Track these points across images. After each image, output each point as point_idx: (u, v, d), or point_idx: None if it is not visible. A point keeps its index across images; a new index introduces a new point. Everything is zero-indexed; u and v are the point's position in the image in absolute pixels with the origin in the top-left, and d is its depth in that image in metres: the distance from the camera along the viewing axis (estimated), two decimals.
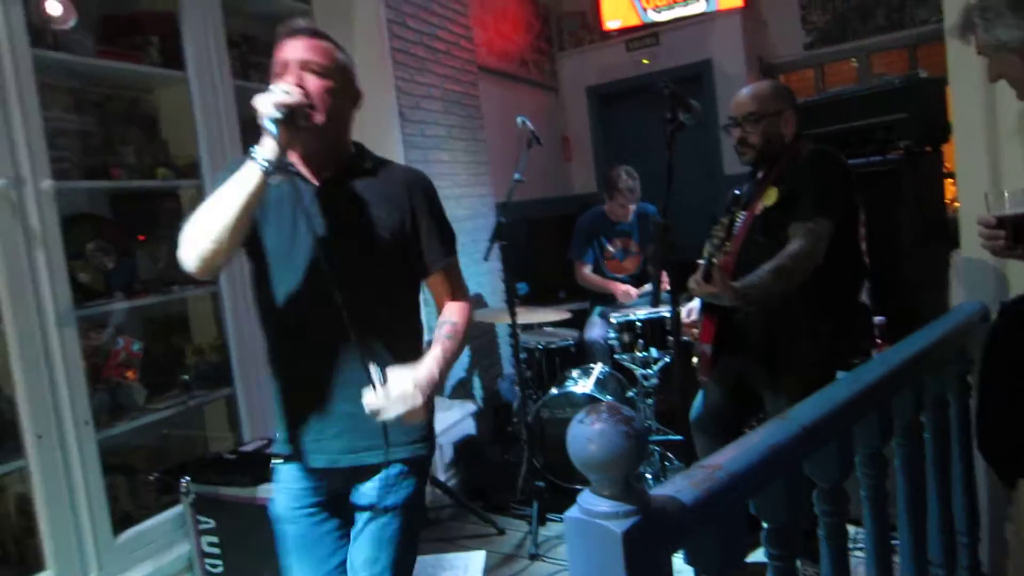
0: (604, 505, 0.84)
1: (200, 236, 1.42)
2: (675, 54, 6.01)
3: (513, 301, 3.20)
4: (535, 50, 6.09)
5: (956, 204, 2.07)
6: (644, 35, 6.19)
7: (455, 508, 3.42)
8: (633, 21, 6.30)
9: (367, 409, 1.46)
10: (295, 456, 1.63)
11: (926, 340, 1.64)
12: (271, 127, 1.40)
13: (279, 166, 1.43)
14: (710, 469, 1.06)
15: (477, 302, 4.36)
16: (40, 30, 2.15)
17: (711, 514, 0.97)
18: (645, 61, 6.13)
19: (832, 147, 2.40)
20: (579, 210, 4.54)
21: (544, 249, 5.44)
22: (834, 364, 2.22)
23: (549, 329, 4.06)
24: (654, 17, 6.23)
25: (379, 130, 3.32)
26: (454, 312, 1.70)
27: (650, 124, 4.46)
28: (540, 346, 3.91)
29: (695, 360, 2.46)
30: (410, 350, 1.62)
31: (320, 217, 1.56)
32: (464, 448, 3.75)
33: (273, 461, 1.70)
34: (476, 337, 4.39)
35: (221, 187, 1.44)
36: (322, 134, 1.53)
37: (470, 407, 3.81)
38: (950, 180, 2.93)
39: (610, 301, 4.16)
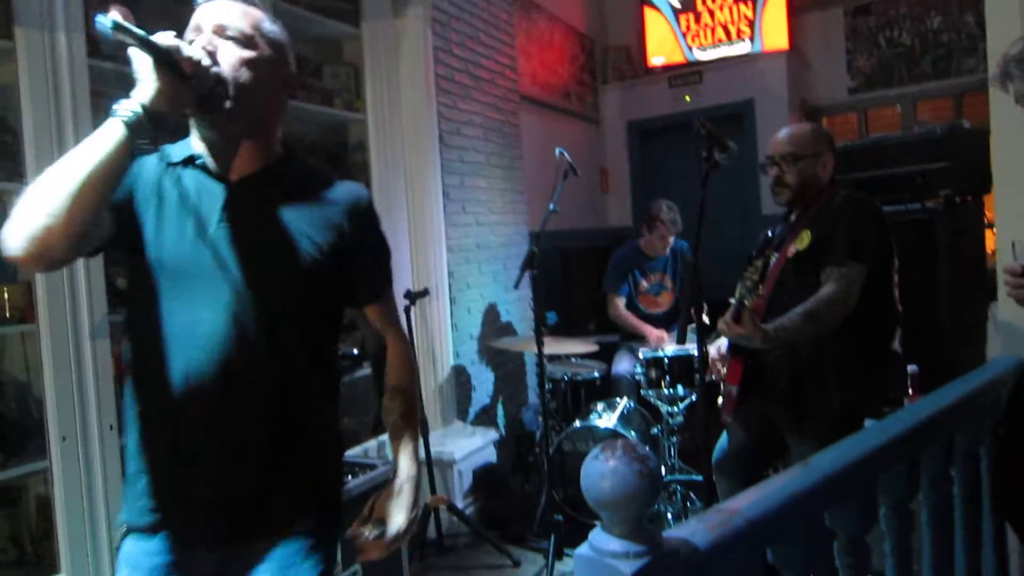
0: (615, 544, 0.83)
1: (33, 207, 1.06)
2: (718, 92, 6.01)
3: (541, 330, 3.20)
4: (578, 82, 6.14)
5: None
6: (687, 72, 6.21)
7: (471, 537, 3.39)
8: (677, 58, 6.34)
9: (375, 555, 1.34)
10: (155, 527, 1.25)
11: (958, 393, 1.60)
12: (148, 71, 1.10)
13: (153, 122, 1.12)
14: (727, 514, 1.05)
15: (506, 329, 4.37)
16: (97, 40, 2.21)
17: (726, 561, 0.95)
18: (687, 98, 6.15)
19: (866, 193, 2.39)
20: (613, 243, 4.54)
21: (576, 280, 5.44)
22: (863, 412, 2.18)
23: (576, 360, 4.04)
24: (699, 55, 6.27)
25: (418, 154, 3.37)
26: (399, 372, 1.47)
27: (689, 160, 4.47)
28: (566, 377, 3.89)
29: (720, 400, 2.43)
30: (328, 396, 1.40)
31: (230, 225, 1.26)
32: (484, 476, 3.73)
33: (120, 532, 1.31)
34: (502, 365, 4.39)
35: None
36: (237, 117, 1.25)
37: (492, 435, 3.80)
38: (991, 230, 2.88)
39: (640, 338, 4.13)
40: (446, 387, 3.66)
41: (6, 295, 2.10)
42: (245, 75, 1.24)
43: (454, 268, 3.81)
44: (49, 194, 1.06)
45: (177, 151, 1.33)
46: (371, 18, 3.16)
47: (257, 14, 1.31)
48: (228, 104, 1.23)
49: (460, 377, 3.92)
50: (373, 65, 3.18)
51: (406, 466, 1.40)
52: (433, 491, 3.00)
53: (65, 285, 2.08)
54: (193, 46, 1.19)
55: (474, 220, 4.06)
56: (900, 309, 2.32)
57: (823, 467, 1.23)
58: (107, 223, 1.21)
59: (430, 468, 3.01)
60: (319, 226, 1.32)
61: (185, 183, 1.29)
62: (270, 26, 1.33)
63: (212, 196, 1.28)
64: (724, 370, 2.42)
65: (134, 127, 1.11)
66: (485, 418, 4.15)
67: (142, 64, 1.11)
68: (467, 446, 3.57)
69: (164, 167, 1.31)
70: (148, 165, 1.32)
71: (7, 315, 2.09)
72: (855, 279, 2.15)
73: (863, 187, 2.67)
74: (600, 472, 0.85)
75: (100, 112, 2.18)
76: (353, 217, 1.37)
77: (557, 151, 3.31)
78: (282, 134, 1.39)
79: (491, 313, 4.25)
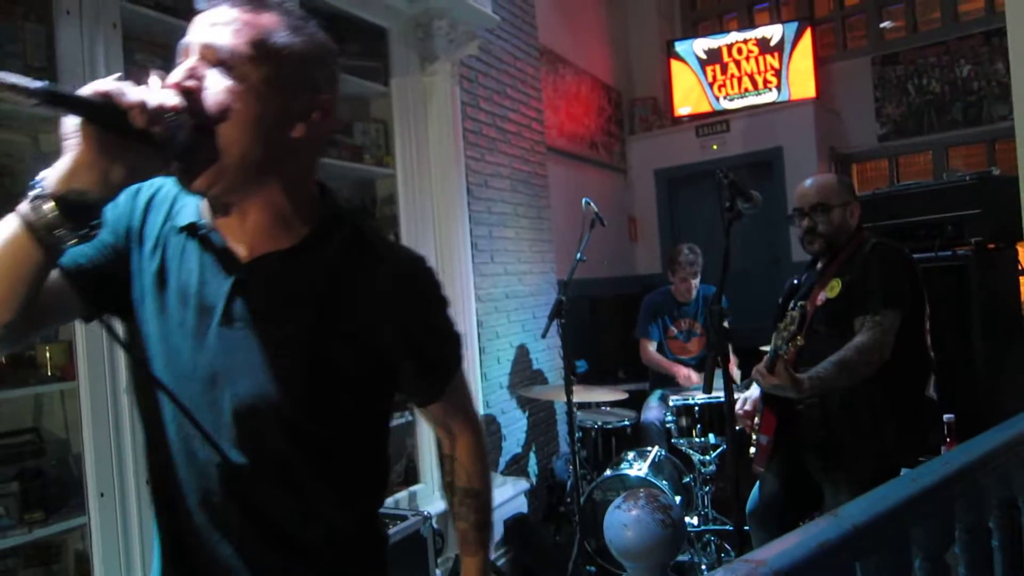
0: None
1: None
2: (745, 141, 6.07)
3: (570, 379, 3.20)
4: (605, 133, 6.24)
5: None
6: (715, 121, 6.28)
7: None
8: (704, 108, 6.42)
9: None
10: None
11: (995, 441, 1.57)
12: (72, 136, 0.79)
13: (76, 211, 0.80)
14: (754, 564, 1.04)
15: (536, 378, 4.37)
16: None
17: None
18: (714, 147, 6.21)
19: (895, 240, 2.39)
20: (642, 290, 4.55)
21: (606, 328, 5.44)
22: (898, 460, 2.14)
23: (607, 408, 4.02)
24: (725, 105, 6.34)
25: (447, 206, 3.43)
26: (471, 472, 1.22)
27: (716, 208, 4.51)
28: (596, 425, 3.87)
29: (752, 450, 2.41)
30: (360, 521, 1.10)
31: (232, 327, 0.97)
32: (515, 526, 3.69)
33: None
34: (533, 414, 4.38)
35: None
36: (233, 176, 0.92)
37: (523, 484, 3.77)
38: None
39: (671, 383, 4.11)
40: None
41: (48, 353, 2.13)
42: (241, 115, 0.89)
43: (483, 318, 3.84)
44: None
45: (186, 208, 1.01)
46: (400, 76, 3.26)
47: (266, 22, 0.93)
48: (218, 159, 0.89)
49: (490, 427, 3.92)
50: (402, 121, 3.27)
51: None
52: None
53: (104, 342, 2.12)
54: (151, 84, 0.87)
55: (503, 270, 4.10)
56: (932, 355, 2.30)
57: (853, 517, 1.22)
58: (73, 301, 0.96)
59: None
60: (357, 326, 1.00)
61: (188, 257, 0.99)
62: (292, 34, 0.95)
63: (218, 283, 0.97)
64: (757, 421, 2.40)
65: (41, 223, 0.80)
66: (516, 468, 4.12)
67: (69, 128, 0.80)
68: (497, 496, 3.54)
69: (172, 226, 1.01)
70: (155, 216, 1.02)
71: (48, 373, 2.12)
72: (889, 327, 2.14)
73: (893, 234, 2.66)
74: (623, 522, 0.86)
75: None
76: (404, 295, 1.04)
77: (584, 201, 3.36)
78: (320, 191, 1.06)
79: (521, 362, 4.26)
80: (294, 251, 0.98)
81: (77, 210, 0.80)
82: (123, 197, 1.01)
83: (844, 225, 2.37)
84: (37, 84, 0.74)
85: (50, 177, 0.80)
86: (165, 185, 1.03)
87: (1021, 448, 1.65)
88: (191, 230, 0.99)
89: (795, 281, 2.50)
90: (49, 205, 0.79)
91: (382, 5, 3.16)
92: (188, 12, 0.97)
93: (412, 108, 3.33)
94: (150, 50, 2.31)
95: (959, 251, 2.78)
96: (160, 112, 0.82)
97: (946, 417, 2.44)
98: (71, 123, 0.79)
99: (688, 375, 4.06)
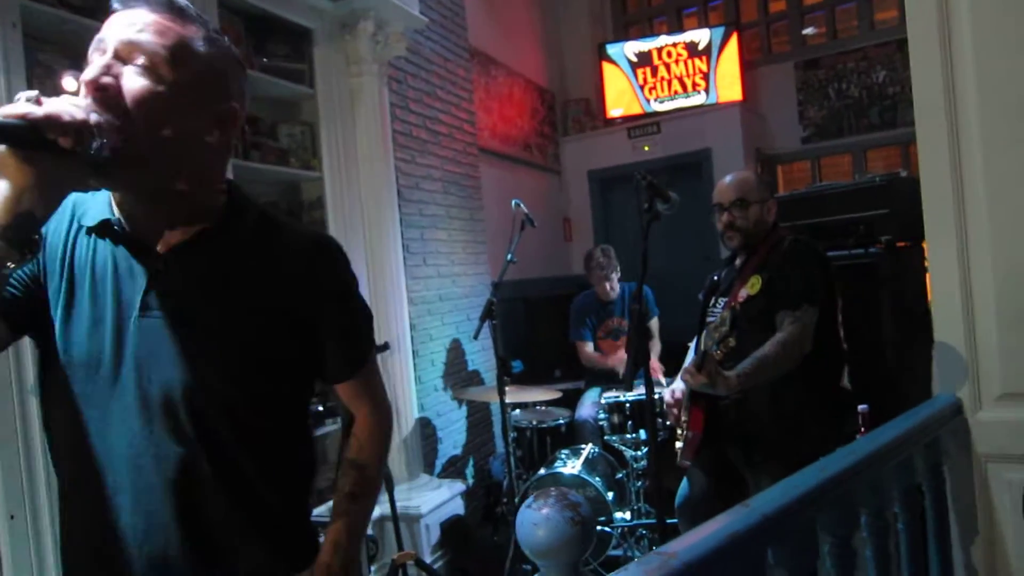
0: None
1: None
2: (676, 142, 6.19)
3: (503, 380, 3.21)
4: (539, 134, 6.28)
5: None
6: (646, 123, 6.39)
7: None
8: (635, 110, 6.53)
9: None
10: None
11: (897, 430, 1.64)
12: (2, 163, 0.80)
13: (12, 237, 0.81)
14: (665, 556, 1.06)
15: (472, 379, 4.37)
16: None
17: None
18: (646, 148, 6.32)
19: (809, 237, 2.48)
20: (577, 290, 4.61)
21: (541, 327, 5.48)
22: (818, 451, 2.21)
23: (542, 408, 4.05)
24: (656, 107, 6.46)
25: (377, 209, 3.41)
26: (361, 446, 1.25)
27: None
28: (531, 424, 3.89)
29: (678, 445, 2.46)
30: (289, 503, 1.14)
31: (152, 315, 0.99)
32: (452, 528, 3.69)
33: None
34: (469, 415, 4.38)
35: None
36: (152, 175, 0.95)
37: (459, 486, 3.77)
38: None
39: (610, 380, 4.16)
40: (411, 440, 3.64)
41: None
42: (159, 118, 0.92)
43: (416, 320, 3.83)
44: None
45: (92, 209, 1.03)
46: (325, 77, 3.22)
47: (185, 30, 0.96)
48: (139, 163, 0.92)
49: (425, 430, 3.90)
50: (328, 123, 3.23)
51: (326, 553, 1.17)
52: (400, 547, 2.96)
53: (10, 351, 2.02)
54: (63, 94, 0.87)
55: (435, 272, 4.09)
56: (845, 347, 2.39)
57: (763, 507, 1.26)
58: (5, 332, 0.96)
59: (396, 524, 2.97)
60: (271, 303, 1.05)
61: (100, 256, 1.01)
62: (208, 46, 0.99)
63: (133, 276, 1.00)
64: (684, 417, 2.45)
65: None
66: (453, 470, 4.12)
67: None
68: (434, 499, 3.53)
69: (78, 228, 1.02)
70: (58, 224, 1.03)
71: None
72: (809, 322, 2.23)
73: (811, 233, 2.76)
74: (533, 520, 0.87)
75: None
76: (315, 271, 1.10)
77: (513, 203, 3.39)
78: (224, 183, 1.10)
79: (456, 364, 4.26)
80: (205, 237, 1.03)
81: (24, 236, 0.82)
82: None
83: (762, 221, 2.44)
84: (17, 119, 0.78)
85: None
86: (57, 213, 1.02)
87: (922, 437, 1.73)
88: (104, 227, 1.01)
89: (715, 277, 2.57)
90: None
91: (306, 6, 3.12)
92: (95, 11, 1.00)
93: (339, 110, 3.29)
94: (55, 51, 2.22)
95: (871, 249, 2.90)
96: (79, 126, 0.83)
97: (860, 407, 2.55)
98: None
99: (620, 358, 4.13)
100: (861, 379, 2.40)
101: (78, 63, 2.39)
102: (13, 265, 0.83)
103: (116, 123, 0.88)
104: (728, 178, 2.53)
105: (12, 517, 1.99)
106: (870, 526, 1.55)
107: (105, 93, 0.89)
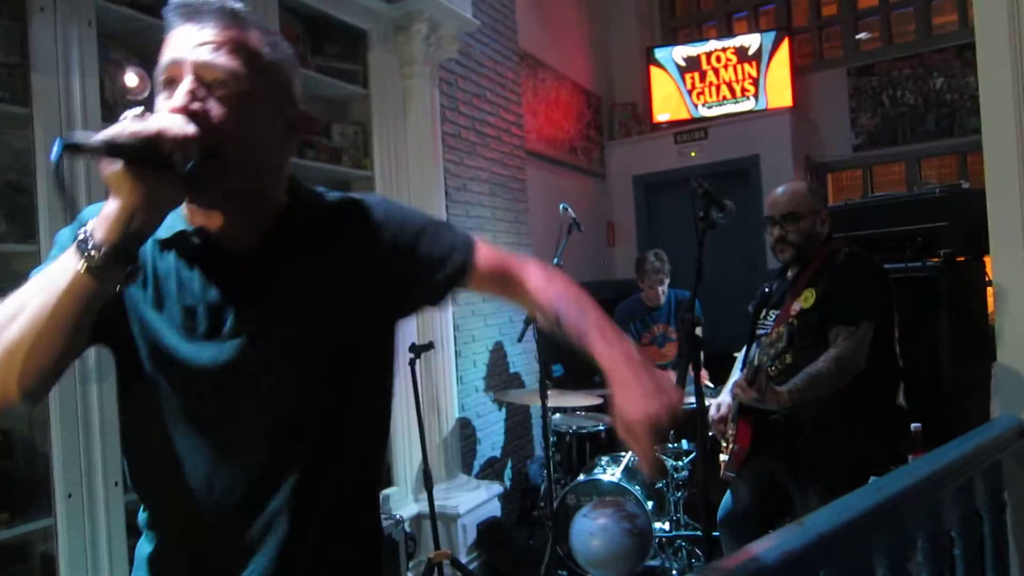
0: None
1: None
2: (723, 148, 6.11)
3: (545, 384, 3.21)
4: (584, 138, 6.26)
5: None
6: (693, 129, 6.33)
7: None
8: (683, 115, 6.46)
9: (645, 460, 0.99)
10: None
11: (957, 452, 1.60)
12: (119, 181, 0.81)
13: (123, 257, 0.83)
14: (720, 572, 1.05)
15: (512, 382, 4.37)
16: (112, 104, 2.25)
17: None
18: (693, 154, 6.25)
19: (865, 251, 2.42)
20: (620, 295, 4.58)
21: None
22: (869, 469, 2.16)
23: (582, 413, 4.03)
24: (704, 112, 6.39)
25: (424, 209, 3.41)
26: (546, 287, 1.09)
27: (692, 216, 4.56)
28: (571, 430, 3.88)
29: (723, 458, 2.43)
30: (367, 519, 1.12)
31: (249, 317, 0.98)
32: (488, 530, 3.69)
33: None
34: (509, 417, 4.39)
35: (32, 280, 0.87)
36: (239, 187, 0.95)
37: (497, 488, 3.77)
38: (991, 288, 2.91)
39: None
40: (451, 440, 3.65)
41: None
42: (246, 133, 0.93)
43: (459, 321, 3.84)
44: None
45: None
46: (379, 78, 3.26)
47: (253, 40, 0.96)
48: (228, 177, 0.92)
49: (465, 430, 3.92)
50: (380, 123, 3.26)
51: (614, 358, 1.03)
52: (437, 546, 2.98)
53: None
54: (166, 111, 0.89)
55: None
56: (901, 364, 2.33)
57: (818, 526, 1.24)
58: (84, 343, 0.93)
59: (434, 523, 2.99)
60: (355, 281, 1.04)
61: (181, 268, 0.99)
62: (273, 51, 0.99)
63: (218, 282, 0.98)
64: (731, 431, 2.42)
65: (106, 272, 0.82)
66: (491, 471, 4.12)
67: (110, 174, 0.81)
68: (472, 500, 3.54)
69: (152, 243, 0.98)
70: None
71: None
72: (863, 338, 2.18)
73: (864, 245, 2.70)
74: (589, 530, 0.86)
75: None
76: (378, 230, 1.06)
77: (561, 206, 3.38)
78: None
79: (497, 365, 4.27)
80: (278, 232, 1.01)
81: (134, 255, 0.84)
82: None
83: (814, 234, 2.39)
84: (94, 140, 0.79)
85: (101, 226, 0.82)
86: None
87: (982, 460, 1.68)
88: (181, 240, 0.99)
89: (766, 289, 2.53)
90: (106, 254, 0.81)
91: (362, 7, 3.15)
92: (164, 11, 0.97)
93: (391, 111, 3.32)
94: (126, 48, 2.28)
95: (928, 263, 2.82)
96: (183, 140, 0.84)
97: (913, 426, 2.49)
98: (110, 168, 0.81)
99: (668, 377, 4.07)
100: (915, 397, 2.34)
101: (146, 61, 2.49)
102: (124, 284, 0.85)
103: (207, 141, 0.88)
104: (780, 189, 2.48)
105: (70, 496, 2.06)
106: (926, 551, 1.51)
107: (196, 119, 0.89)
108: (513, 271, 1.12)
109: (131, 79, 2.37)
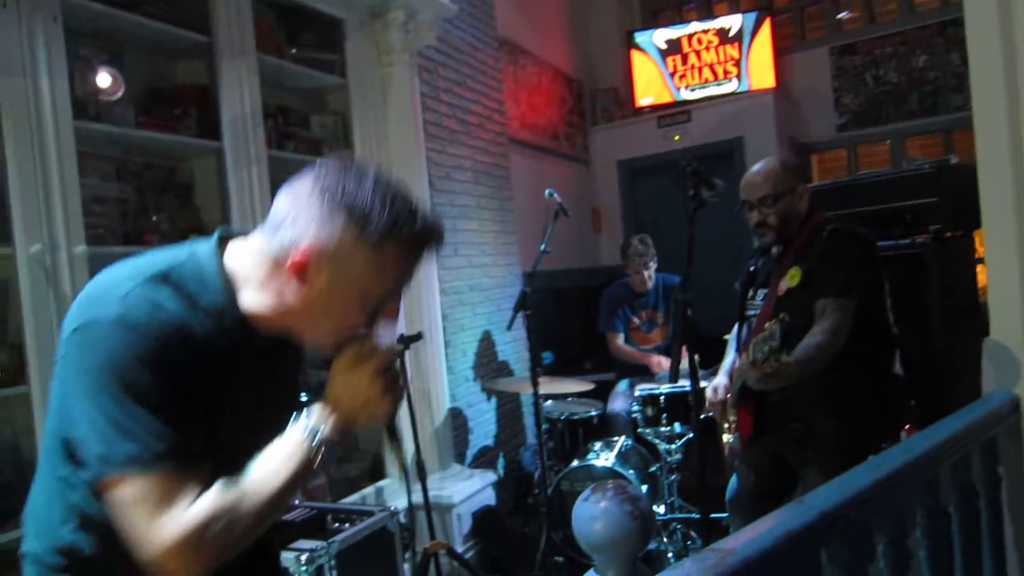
0: None
1: (233, 544, 0.95)
2: (707, 131, 6.10)
3: (536, 371, 3.19)
4: (567, 124, 6.23)
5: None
6: (676, 112, 6.30)
7: None
8: (665, 99, 6.44)
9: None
10: None
11: (952, 429, 1.59)
12: (362, 418, 1.06)
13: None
14: (723, 553, 1.04)
15: (502, 370, 4.36)
16: (83, 102, 2.21)
17: None
18: (676, 137, 6.23)
19: (850, 223, 2.39)
20: (607, 281, 4.56)
21: (571, 319, 5.44)
22: (876, 440, 2.15)
23: (573, 399, 4.02)
24: (686, 95, 6.37)
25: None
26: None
27: (679, 198, 4.53)
28: (563, 416, 3.87)
29: (727, 438, 2.41)
30: None
31: (273, 391, 1.16)
32: (483, 519, 3.68)
33: None
34: (500, 406, 4.37)
35: (263, 471, 1.00)
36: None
37: (491, 476, 3.76)
38: (981, 265, 2.90)
39: (640, 373, 4.12)
40: (443, 430, 3.63)
41: None
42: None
43: (448, 311, 3.81)
44: (252, 530, 0.97)
45: (207, 294, 1.03)
46: (357, 67, 3.21)
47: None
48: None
49: (457, 420, 3.90)
50: (360, 113, 3.22)
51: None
52: (432, 536, 2.96)
53: (54, 347, 2.04)
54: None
55: (467, 263, 4.07)
56: (896, 332, 2.32)
57: (818, 504, 1.22)
58: None
59: (428, 513, 2.97)
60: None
61: (231, 352, 1.04)
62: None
63: (254, 359, 1.09)
64: (733, 417, 2.40)
65: (320, 462, 1.06)
66: (484, 460, 4.11)
67: (361, 410, 1.06)
68: (466, 489, 3.53)
69: (199, 317, 1.01)
70: (183, 345, 0.98)
71: None
72: (850, 311, 2.17)
73: (854, 222, 2.68)
74: (591, 514, 0.84)
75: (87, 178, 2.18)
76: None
77: (547, 192, 3.35)
78: None
79: (487, 354, 4.25)
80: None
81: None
82: (162, 375, 0.96)
83: (794, 212, 2.34)
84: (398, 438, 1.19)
85: (330, 427, 1.04)
86: (165, 327, 0.97)
87: (977, 435, 1.68)
88: (241, 324, 1.06)
89: (752, 267, 2.50)
90: (326, 447, 1.04)
91: None
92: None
93: (370, 100, 3.28)
94: (95, 45, 2.23)
95: (918, 239, 2.81)
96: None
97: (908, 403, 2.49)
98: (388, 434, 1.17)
99: (659, 362, 4.07)
100: (907, 372, 2.33)
101: (116, 57, 2.44)
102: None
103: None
104: (754, 169, 2.41)
105: None
106: (925, 527, 1.50)
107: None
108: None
109: (104, 79, 2.32)
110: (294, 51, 3.04)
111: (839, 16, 6.25)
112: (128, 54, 2.47)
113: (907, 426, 2.35)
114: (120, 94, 2.32)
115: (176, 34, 2.49)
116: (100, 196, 2.42)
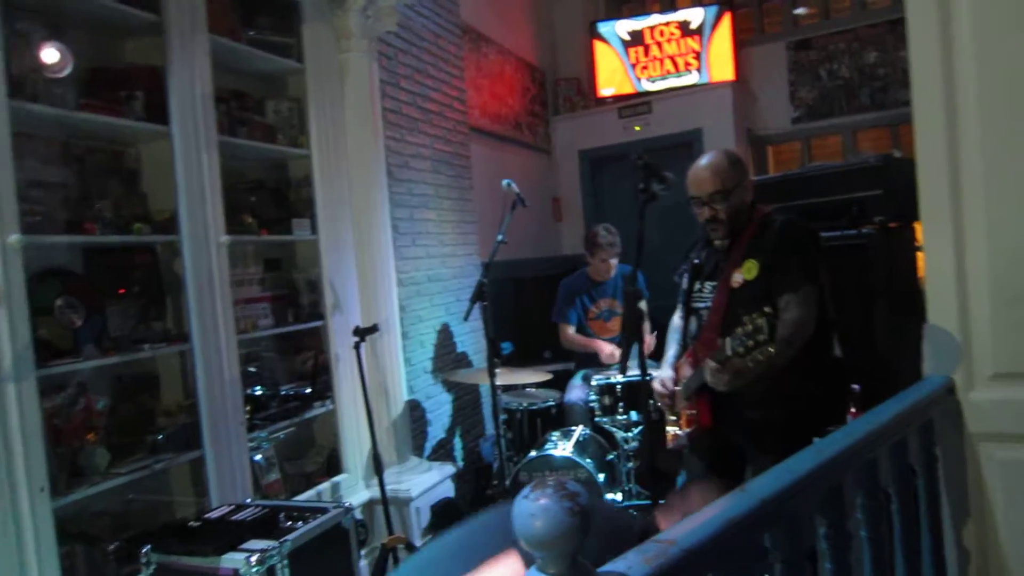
0: None
1: None
2: (667, 122, 6.15)
3: (493, 362, 3.19)
4: (529, 113, 6.22)
5: None
6: (637, 103, 6.34)
7: None
8: (627, 89, 6.47)
9: None
10: None
11: (892, 411, 1.63)
12: None
13: None
14: (664, 544, 1.04)
15: (461, 361, 4.35)
16: (20, 80, 2.11)
17: None
18: (637, 128, 6.28)
19: (799, 216, 2.43)
20: (568, 271, 4.57)
21: (531, 309, 5.44)
22: (822, 423, 2.19)
23: (531, 390, 4.04)
24: (647, 86, 6.41)
25: (365, 188, 3.36)
26: None
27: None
28: (521, 407, 3.88)
29: (675, 431, 2.44)
30: None
31: None
32: (443, 511, 3.67)
33: None
34: (458, 397, 4.37)
35: None
36: None
37: (449, 469, 3.76)
38: (921, 254, 2.99)
39: (596, 363, 4.15)
40: (400, 423, 3.61)
41: None
42: None
43: (405, 302, 3.79)
44: None
45: None
46: (314, 52, 3.15)
47: None
48: None
49: (415, 412, 3.88)
50: (317, 99, 3.16)
51: None
52: (390, 531, 2.95)
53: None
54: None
55: (424, 253, 4.05)
56: (834, 317, 2.36)
57: (760, 491, 1.24)
58: None
59: (386, 507, 2.96)
60: None
61: None
62: None
63: None
64: (692, 411, 2.42)
65: None
66: (442, 452, 4.11)
67: None
68: (424, 482, 3.52)
69: None
70: None
71: None
72: (812, 301, 2.21)
73: (803, 214, 2.73)
74: (530, 511, 0.83)
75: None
76: None
77: (504, 183, 3.35)
78: None
79: (445, 346, 4.24)
80: None
81: None
82: None
83: (743, 205, 2.36)
84: None
85: None
86: None
87: (915, 418, 1.72)
88: None
89: (696, 260, 2.51)
90: None
91: None
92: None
93: (328, 86, 3.23)
94: (34, 19, 2.14)
95: (863, 230, 2.88)
96: None
97: (853, 387, 2.55)
98: None
99: (612, 352, 4.09)
100: (852, 359, 2.38)
101: (57, 33, 2.35)
102: None
103: None
104: (702, 163, 2.39)
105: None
106: (865, 508, 1.54)
107: None
108: None
109: (50, 54, 2.20)
110: (251, 33, 2.97)
111: (796, 11, 6.34)
112: (71, 31, 2.36)
113: (853, 410, 2.40)
114: (67, 71, 2.21)
115: (123, 11, 2.39)
116: (38, 181, 2.31)
